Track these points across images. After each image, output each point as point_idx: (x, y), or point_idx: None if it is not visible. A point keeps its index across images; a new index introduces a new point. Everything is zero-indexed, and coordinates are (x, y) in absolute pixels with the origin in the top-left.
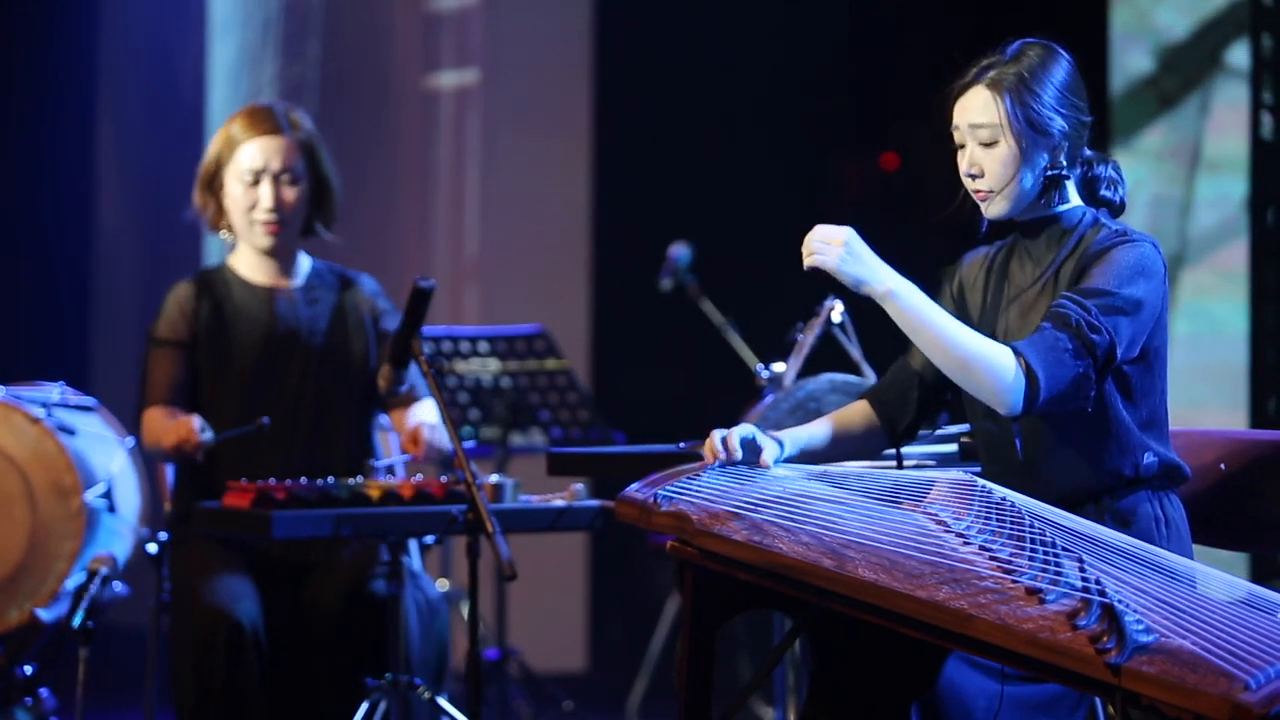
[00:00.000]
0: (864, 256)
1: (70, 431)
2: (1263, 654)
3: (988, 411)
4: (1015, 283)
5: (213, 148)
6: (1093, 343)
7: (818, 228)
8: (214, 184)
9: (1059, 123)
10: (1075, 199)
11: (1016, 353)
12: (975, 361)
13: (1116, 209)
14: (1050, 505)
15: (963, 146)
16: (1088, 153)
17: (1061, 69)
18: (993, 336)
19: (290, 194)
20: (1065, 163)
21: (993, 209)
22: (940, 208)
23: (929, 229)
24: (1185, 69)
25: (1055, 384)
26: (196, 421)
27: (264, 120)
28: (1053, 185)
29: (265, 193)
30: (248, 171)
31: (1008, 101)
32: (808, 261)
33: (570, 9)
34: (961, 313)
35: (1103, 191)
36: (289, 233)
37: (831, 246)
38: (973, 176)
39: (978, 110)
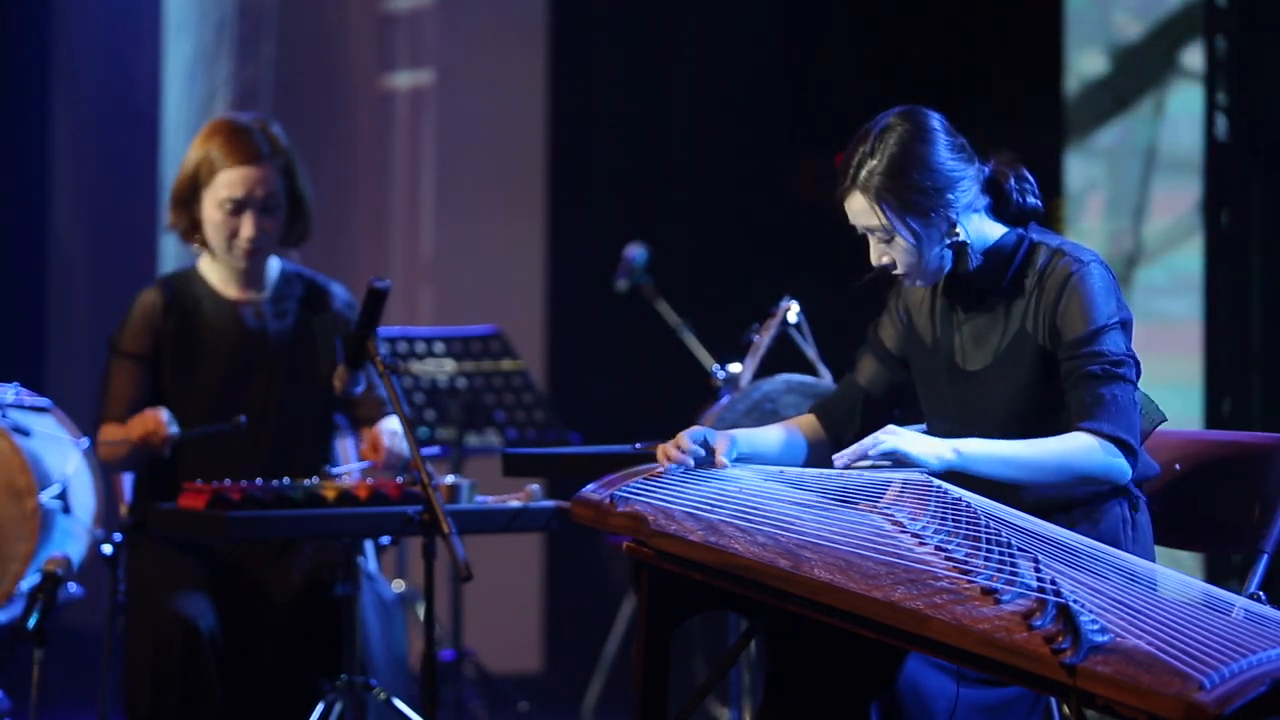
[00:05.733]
0: (921, 440)
1: (25, 432)
2: (1217, 654)
3: (947, 414)
4: (962, 305)
5: (189, 164)
6: (1123, 375)
7: (870, 436)
8: (190, 202)
9: (942, 197)
10: (995, 229)
11: (1090, 431)
12: (1071, 462)
13: (1035, 214)
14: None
15: (865, 238)
16: (987, 170)
17: (926, 143)
18: (949, 358)
19: (270, 223)
20: (964, 228)
21: (920, 284)
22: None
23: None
24: (1140, 70)
25: (1133, 430)
26: (164, 414)
27: (245, 147)
28: (960, 251)
29: (247, 223)
30: (228, 200)
31: (883, 205)
32: (880, 450)
33: (525, 9)
34: (910, 333)
35: (1015, 204)
36: (267, 255)
37: (892, 438)
38: (886, 266)
39: (863, 215)
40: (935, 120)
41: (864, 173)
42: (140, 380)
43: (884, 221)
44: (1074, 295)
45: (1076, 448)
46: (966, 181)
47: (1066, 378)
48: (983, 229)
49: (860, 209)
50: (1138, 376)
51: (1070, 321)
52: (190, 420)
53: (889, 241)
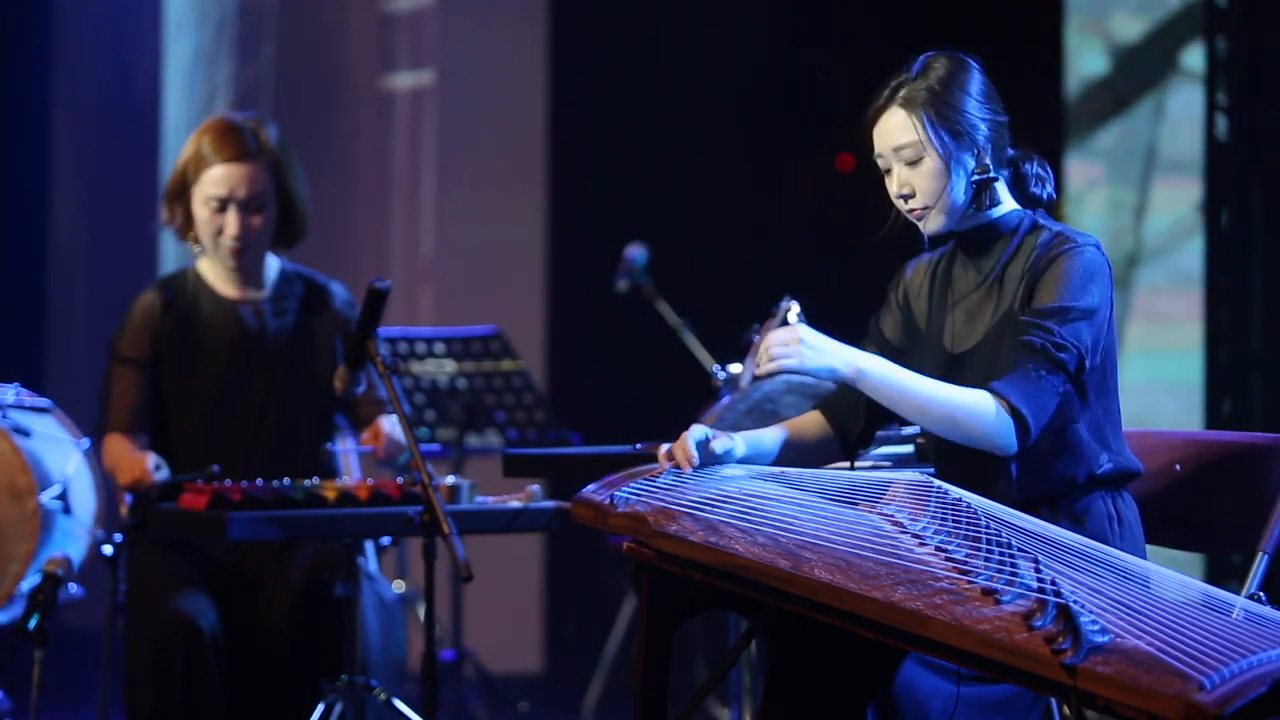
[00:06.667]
0: (825, 347)
1: (25, 433)
2: (1217, 654)
3: None
4: (958, 287)
5: (181, 160)
6: (1061, 361)
7: (769, 335)
8: (182, 197)
9: (978, 127)
10: (1009, 202)
11: (995, 393)
12: (959, 414)
13: (1047, 205)
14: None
15: (889, 171)
16: (1011, 152)
17: (970, 74)
18: (939, 341)
19: (256, 220)
20: (991, 165)
21: (930, 225)
22: (875, 228)
23: (885, 229)
24: (1140, 71)
25: (1040, 414)
26: (150, 461)
27: (233, 143)
28: (983, 189)
29: (231, 221)
30: (213, 198)
31: (924, 116)
32: (769, 368)
33: (525, 9)
34: (908, 320)
35: (1032, 189)
36: (254, 254)
37: (790, 348)
38: (904, 197)
39: (896, 132)
40: (975, 63)
41: (905, 90)
42: (141, 385)
43: (920, 134)
44: (1056, 268)
45: (971, 404)
46: (999, 126)
47: (1010, 338)
48: (1000, 192)
49: (894, 125)
50: (1077, 374)
51: (1041, 293)
52: (192, 419)
53: (916, 164)
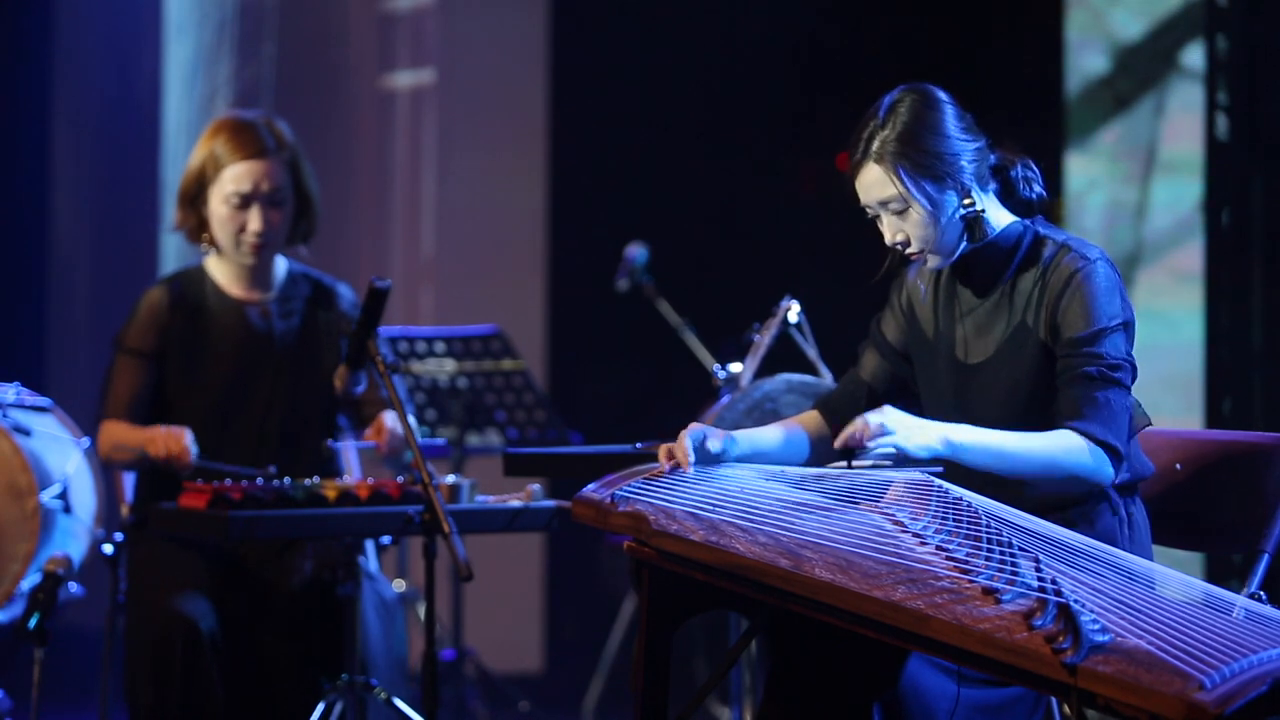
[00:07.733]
0: (917, 425)
1: (25, 432)
2: (1218, 653)
3: (947, 407)
4: (965, 298)
5: (195, 162)
6: (1119, 380)
7: (862, 421)
8: (196, 200)
9: (957, 165)
10: (1004, 217)
11: (1080, 432)
12: (1058, 459)
13: (1039, 207)
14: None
15: (878, 217)
16: (995, 158)
17: (937, 111)
18: (950, 352)
19: (277, 216)
20: (977, 197)
21: (930, 264)
22: (874, 268)
23: (885, 269)
24: (1140, 70)
25: (1121, 435)
26: (188, 437)
27: (251, 141)
28: (974, 224)
29: (254, 217)
30: (234, 195)
31: (899, 170)
32: (882, 443)
33: (526, 8)
34: (912, 326)
35: (1022, 193)
36: (271, 252)
37: (907, 429)
38: (900, 244)
39: (877, 187)
40: (942, 93)
41: (876, 142)
42: (144, 377)
43: (900, 189)
44: (1077, 293)
45: (1065, 447)
46: (977, 152)
47: (1061, 375)
48: (992, 211)
49: (874, 180)
50: (1133, 381)
51: (1071, 320)
52: (197, 418)
53: (903, 214)
